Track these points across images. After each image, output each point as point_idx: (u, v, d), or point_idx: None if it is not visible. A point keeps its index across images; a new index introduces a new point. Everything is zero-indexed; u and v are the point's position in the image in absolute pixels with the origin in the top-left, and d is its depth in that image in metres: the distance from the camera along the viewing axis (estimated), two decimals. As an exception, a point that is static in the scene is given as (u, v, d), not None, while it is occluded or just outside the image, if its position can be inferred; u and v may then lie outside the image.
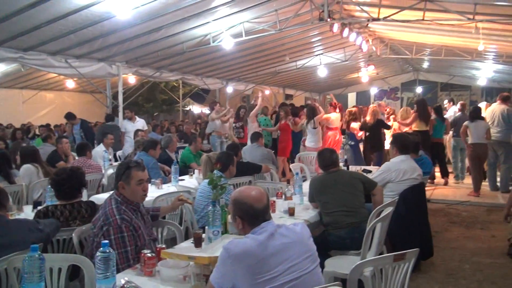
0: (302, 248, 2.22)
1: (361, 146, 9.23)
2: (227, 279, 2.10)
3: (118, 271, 2.72)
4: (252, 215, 2.29)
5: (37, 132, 12.17)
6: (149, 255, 2.55)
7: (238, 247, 2.11)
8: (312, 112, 8.81)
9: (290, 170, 8.78)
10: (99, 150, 7.68)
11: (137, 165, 3.07)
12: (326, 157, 4.30)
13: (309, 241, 2.30)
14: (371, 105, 9.78)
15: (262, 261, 2.07)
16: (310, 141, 8.82)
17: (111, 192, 3.26)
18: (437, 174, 9.23)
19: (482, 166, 8.43)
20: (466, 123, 8.28)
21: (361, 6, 8.27)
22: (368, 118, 8.82)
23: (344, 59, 13.02)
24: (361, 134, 8.96)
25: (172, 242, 3.77)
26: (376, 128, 8.70)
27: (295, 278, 2.11)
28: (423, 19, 7.56)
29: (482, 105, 9.82)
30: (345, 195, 3.99)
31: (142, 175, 3.03)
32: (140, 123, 9.68)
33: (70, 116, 9.79)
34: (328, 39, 11.25)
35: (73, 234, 2.98)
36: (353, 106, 11.08)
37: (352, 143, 8.86)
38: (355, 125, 8.93)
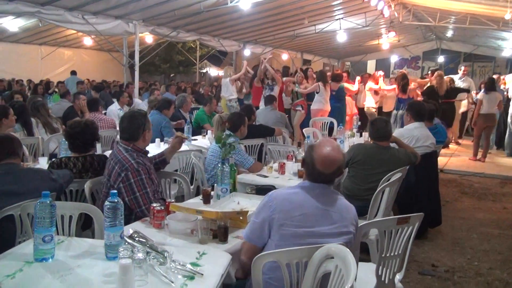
0: (335, 229, 2.19)
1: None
2: (263, 229, 2.20)
3: (143, 212, 2.86)
4: (311, 171, 2.28)
5: (55, 89, 12.29)
6: (158, 208, 2.61)
7: (279, 192, 2.30)
8: (324, 76, 8.70)
9: None
10: (114, 108, 7.76)
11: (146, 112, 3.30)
12: (381, 128, 3.95)
13: (348, 227, 2.23)
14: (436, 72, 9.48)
15: (292, 211, 2.18)
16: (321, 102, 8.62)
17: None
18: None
19: (488, 135, 8.64)
20: (480, 95, 8.54)
21: (384, -31, 7.98)
22: (435, 83, 8.66)
23: (364, 25, 12.64)
24: None
25: (181, 199, 3.85)
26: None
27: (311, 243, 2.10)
28: (448, -16, 7.27)
29: (510, 77, 9.73)
30: (380, 177, 3.68)
31: None
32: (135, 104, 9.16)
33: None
34: (348, 3, 10.93)
35: (85, 185, 3.06)
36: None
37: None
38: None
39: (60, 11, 7.88)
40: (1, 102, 5.99)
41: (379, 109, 10.15)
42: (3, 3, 7.00)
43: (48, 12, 7.68)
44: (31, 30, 11.95)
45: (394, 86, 9.33)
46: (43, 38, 13.85)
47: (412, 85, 9.14)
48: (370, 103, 9.98)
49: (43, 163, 4.03)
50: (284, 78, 9.51)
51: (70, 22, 8.27)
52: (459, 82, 10.21)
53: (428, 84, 9.58)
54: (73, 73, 13.34)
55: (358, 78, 10.32)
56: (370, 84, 9.97)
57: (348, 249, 1.91)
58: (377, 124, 4.03)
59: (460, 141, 10.53)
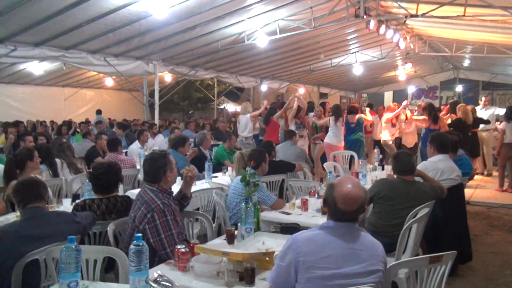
0: (364, 268, 2.12)
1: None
2: (289, 272, 2.11)
3: (167, 254, 2.81)
4: (333, 210, 2.22)
5: (77, 129, 12.56)
6: (183, 250, 2.57)
7: (303, 234, 2.21)
8: (337, 111, 8.61)
9: None
10: (135, 147, 7.85)
11: (167, 151, 3.32)
12: (404, 162, 3.87)
13: (377, 264, 2.19)
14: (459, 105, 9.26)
15: (318, 253, 2.10)
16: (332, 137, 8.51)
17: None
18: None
19: None
20: (502, 124, 8.41)
21: (398, 2, 8.06)
22: (460, 115, 8.55)
23: (380, 57, 12.75)
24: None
25: (204, 238, 3.80)
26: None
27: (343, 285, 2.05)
28: (464, 15, 7.28)
29: None
30: (406, 212, 3.57)
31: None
32: (159, 139, 9.36)
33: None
34: (364, 37, 11.06)
35: (108, 227, 3.05)
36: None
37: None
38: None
39: (83, 54, 8.16)
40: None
41: (399, 143, 10.04)
42: (30, 49, 7.29)
43: (72, 56, 7.97)
44: (55, 73, 12.39)
45: (424, 117, 9.07)
46: (66, 80, 14.31)
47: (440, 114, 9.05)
48: (385, 136, 9.86)
49: (66, 204, 4.06)
50: (311, 113, 9.58)
51: (92, 65, 8.56)
52: (482, 112, 10.05)
53: (448, 117, 9.43)
54: (99, 112, 13.63)
55: (367, 109, 10.27)
56: (386, 115, 9.86)
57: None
58: (400, 158, 3.94)
59: (486, 171, 10.20)
